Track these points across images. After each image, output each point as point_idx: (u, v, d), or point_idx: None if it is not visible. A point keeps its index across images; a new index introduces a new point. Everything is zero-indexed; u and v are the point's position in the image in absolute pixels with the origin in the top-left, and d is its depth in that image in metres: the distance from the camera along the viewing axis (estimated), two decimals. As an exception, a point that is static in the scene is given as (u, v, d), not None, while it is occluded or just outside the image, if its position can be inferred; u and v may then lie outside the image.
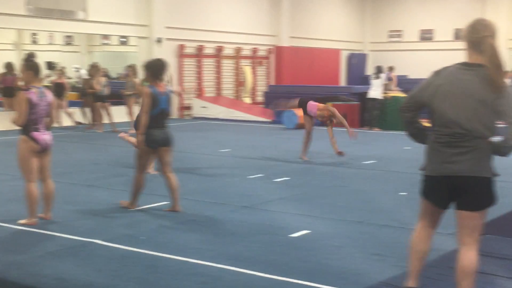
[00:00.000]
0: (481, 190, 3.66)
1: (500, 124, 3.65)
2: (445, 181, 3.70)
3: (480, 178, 3.63)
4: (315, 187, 8.51)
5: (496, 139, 3.65)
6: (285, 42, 24.07)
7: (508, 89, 3.58)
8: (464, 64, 3.67)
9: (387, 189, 8.41)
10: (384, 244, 5.65)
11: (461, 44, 3.77)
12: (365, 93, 17.59)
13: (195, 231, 6.15)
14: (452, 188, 3.69)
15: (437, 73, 3.75)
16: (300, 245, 5.65)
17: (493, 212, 6.65)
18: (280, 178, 9.08)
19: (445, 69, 3.74)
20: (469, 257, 3.70)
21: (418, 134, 3.90)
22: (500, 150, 3.65)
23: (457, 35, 25.15)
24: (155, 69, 6.75)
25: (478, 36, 3.61)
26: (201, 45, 21.13)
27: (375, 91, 17.16)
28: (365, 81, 22.53)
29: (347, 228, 6.31)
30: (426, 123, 3.86)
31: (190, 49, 20.87)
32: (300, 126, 16.97)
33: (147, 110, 6.63)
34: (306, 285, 4.57)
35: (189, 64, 21.05)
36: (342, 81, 26.79)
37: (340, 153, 10.72)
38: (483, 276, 4.55)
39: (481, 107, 3.57)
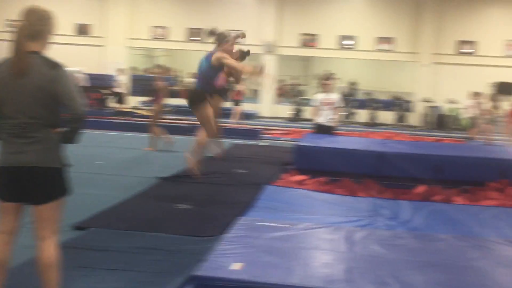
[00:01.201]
0: (51, 181, 3.65)
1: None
2: (13, 172, 3.60)
3: (49, 168, 3.62)
4: None
5: (63, 127, 3.69)
6: None
7: (61, 71, 3.61)
8: None
9: None
10: None
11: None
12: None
13: None
14: (21, 180, 3.61)
15: None
16: None
17: (98, 205, 6.74)
18: None
19: (6, 60, 3.66)
20: (48, 250, 3.65)
21: None
22: (67, 136, 3.70)
23: (80, 31, 25.36)
24: None
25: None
26: None
27: None
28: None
29: None
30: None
31: None
32: None
33: None
34: None
35: None
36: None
37: None
38: (80, 270, 4.53)
39: (41, 94, 3.57)
